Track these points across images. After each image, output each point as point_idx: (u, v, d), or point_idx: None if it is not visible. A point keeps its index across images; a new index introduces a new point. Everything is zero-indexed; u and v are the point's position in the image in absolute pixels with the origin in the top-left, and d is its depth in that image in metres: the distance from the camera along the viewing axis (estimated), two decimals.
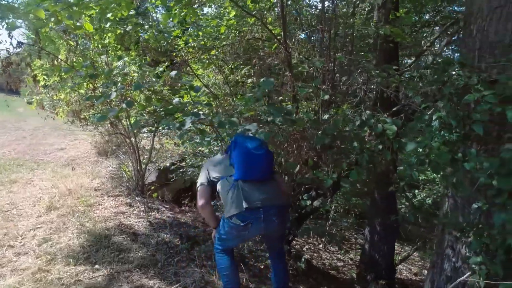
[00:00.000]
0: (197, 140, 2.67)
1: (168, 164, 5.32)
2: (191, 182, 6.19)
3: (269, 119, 1.96)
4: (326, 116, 2.53)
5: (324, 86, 2.77)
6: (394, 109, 2.67)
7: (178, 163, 5.35)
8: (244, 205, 1.74)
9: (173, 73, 2.10)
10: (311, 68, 3.11)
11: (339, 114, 2.04)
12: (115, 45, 3.75)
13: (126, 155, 4.82)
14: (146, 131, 5.75)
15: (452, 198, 2.21)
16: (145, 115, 3.05)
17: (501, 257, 1.60)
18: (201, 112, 2.11)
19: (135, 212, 3.31)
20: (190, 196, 5.44)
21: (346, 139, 2.01)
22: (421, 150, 1.76)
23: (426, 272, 5.92)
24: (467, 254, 1.86)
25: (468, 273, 1.75)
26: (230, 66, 3.90)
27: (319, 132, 1.99)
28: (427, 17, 4.66)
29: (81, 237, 2.67)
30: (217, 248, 2.02)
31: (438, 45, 3.85)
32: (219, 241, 1.99)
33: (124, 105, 2.25)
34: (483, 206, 1.77)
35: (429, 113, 1.72)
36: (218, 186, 1.92)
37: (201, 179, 1.97)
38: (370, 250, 4.19)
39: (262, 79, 2.06)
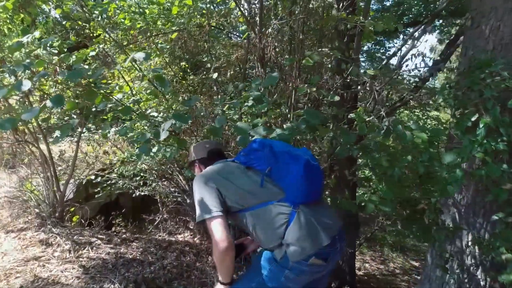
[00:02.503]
0: (159, 152, 1.94)
1: (93, 177, 4.23)
2: (118, 194, 5.16)
3: (285, 125, 1.46)
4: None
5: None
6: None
7: (107, 175, 4.32)
8: (326, 240, 1.20)
9: (140, 55, 1.38)
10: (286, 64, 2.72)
11: (357, 120, 1.67)
12: (13, 15, 2.62)
13: (30, 169, 3.55)
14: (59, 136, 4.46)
15: (455, 207, 2.12)
16: (74, 116, 2.16)
17: None
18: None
19: (56, 254, 2.33)
20: (124, 214, 4.46)
21: (367, 150, 1.66)
22: (459, 161, 1.55)
23: (368, 266, 6.28)
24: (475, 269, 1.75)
25: None
26: (182, 58, 3.18)
27: (341, 141, 1.58)
28: None
29: None
30: None
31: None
32: None
33: (48, 103, 1.42)
34: (507, 218, 1.66)
35: (473, 119, 1.50)
36: (249, 218, 1.28)
37: (209, 205, 1.24)
38: None
39: (268, 74, 1.54)
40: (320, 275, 1.30)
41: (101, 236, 2.85)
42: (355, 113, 1.72)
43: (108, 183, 4.29)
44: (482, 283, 1.97)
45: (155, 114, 2.34)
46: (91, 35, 3.04)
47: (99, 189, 4.58)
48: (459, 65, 2.06)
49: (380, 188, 1.45)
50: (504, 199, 1.45)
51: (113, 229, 4.18)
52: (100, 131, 3.87)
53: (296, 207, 1.24)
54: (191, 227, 3.67)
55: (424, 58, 2.40)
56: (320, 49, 2.38)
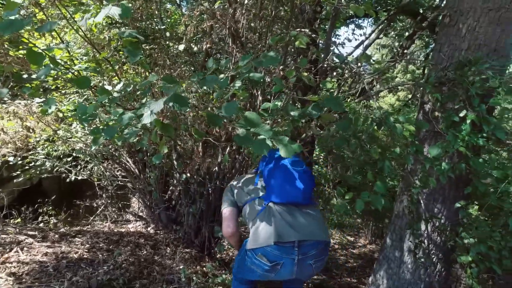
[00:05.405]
0: (131, 137, 1.56)
1: (12, 159, 3.47)
2: (41, 178, 4.46)
3: (292, 113, 1.29)
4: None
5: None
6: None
7: (30, 155, 3.61)
8: (274, 238, 1.25)
9: (116, 10, 1.00)
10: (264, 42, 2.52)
11: (351, 112, 1.61)
12: None
13: None
14: None
15: (416, 195, 2.28)
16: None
17: (496, 256, 1.70)
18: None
19: None
20: (53, 201, 3.83)
21: (361, 143, 1.63)
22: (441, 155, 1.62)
23: None
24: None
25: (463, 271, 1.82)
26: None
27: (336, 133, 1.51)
28: None
29: None
30: (235, 275, 1.71)
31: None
32: (238, 267, 1.62)
33: None
34: (469, 207, 1.83)
35: (461, 114, 1.56)
36: (244, 211, 1.53)
37: (225, 201, 1.61)
38: None
39: (263, 53, 1.35)
40: (271, 275, 1.33)
41: (32, 233, 2.34)
42: (348, 104, 1.65)
43: (31, 165, 3.60)
44: (435, 261, 2.20)
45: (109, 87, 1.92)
46: None
47: (18, 172, 3.84)
48: (432, 59, 2.15)
49: (377, 184, 1.42)
50: (482, 192, 1.57)
51: (40, 219, 3.57)
52: (23, 101, 3.12)
53: (265, 205, 1.39)
54: (144, 216, 3.31)
55: (394, 49, 2.46)
56: (300, 30, 2.23)
